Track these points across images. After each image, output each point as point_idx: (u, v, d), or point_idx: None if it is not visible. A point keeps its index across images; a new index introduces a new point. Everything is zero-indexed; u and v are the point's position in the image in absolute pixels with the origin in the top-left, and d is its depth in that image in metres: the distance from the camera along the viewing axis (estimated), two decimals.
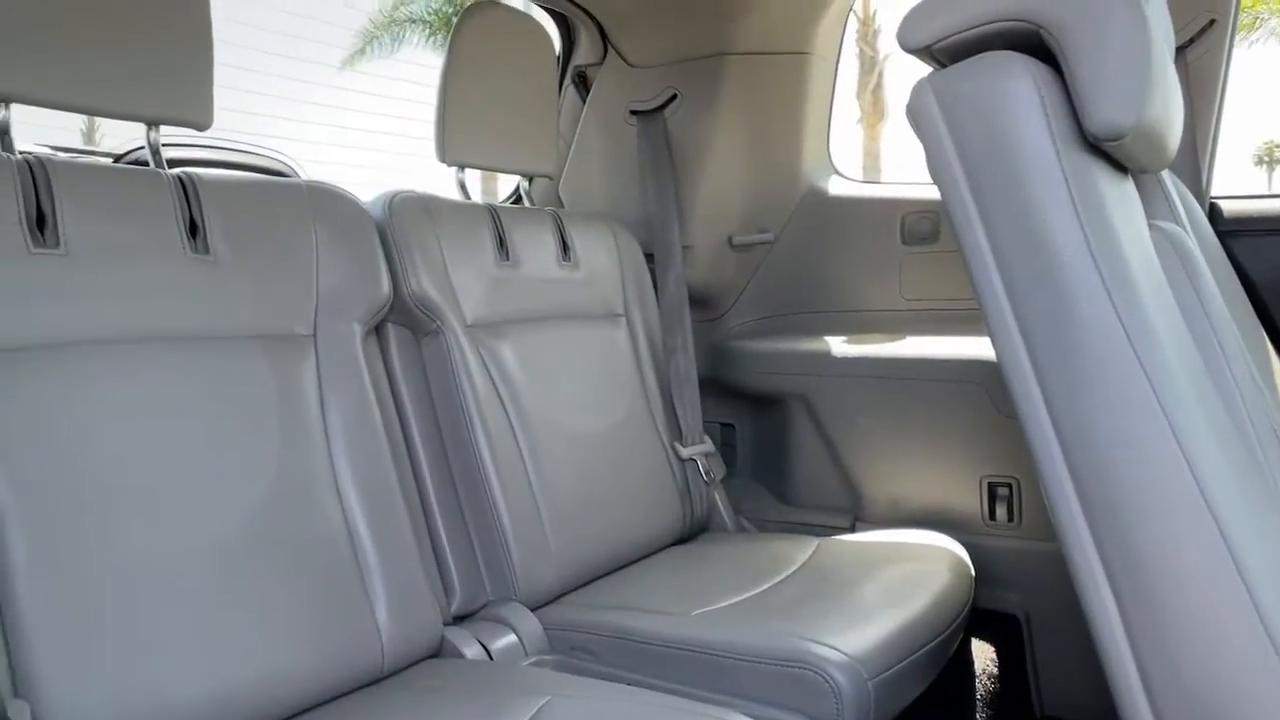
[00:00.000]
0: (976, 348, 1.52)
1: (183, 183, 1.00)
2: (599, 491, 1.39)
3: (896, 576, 1.27)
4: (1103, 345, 0.66)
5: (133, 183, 0.97)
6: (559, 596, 1.30)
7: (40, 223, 0.87)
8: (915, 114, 0.75)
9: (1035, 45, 0.70)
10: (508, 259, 1.39)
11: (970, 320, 1.58)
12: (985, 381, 1.49)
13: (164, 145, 1.04)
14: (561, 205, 1.86)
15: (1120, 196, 0.74)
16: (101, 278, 0.90)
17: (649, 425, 1.55)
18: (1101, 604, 0.68)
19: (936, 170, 0.75)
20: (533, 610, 1.22)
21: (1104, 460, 0.67)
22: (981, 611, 1.46)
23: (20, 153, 0.91)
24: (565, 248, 1.49)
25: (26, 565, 0.79)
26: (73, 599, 0.81)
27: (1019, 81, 0.68)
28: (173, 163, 1.06)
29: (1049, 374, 0.69)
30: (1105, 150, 0.71)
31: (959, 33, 0.71)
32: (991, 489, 1.53)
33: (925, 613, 1.17)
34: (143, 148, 1.03)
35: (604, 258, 1.56)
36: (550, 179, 1.72)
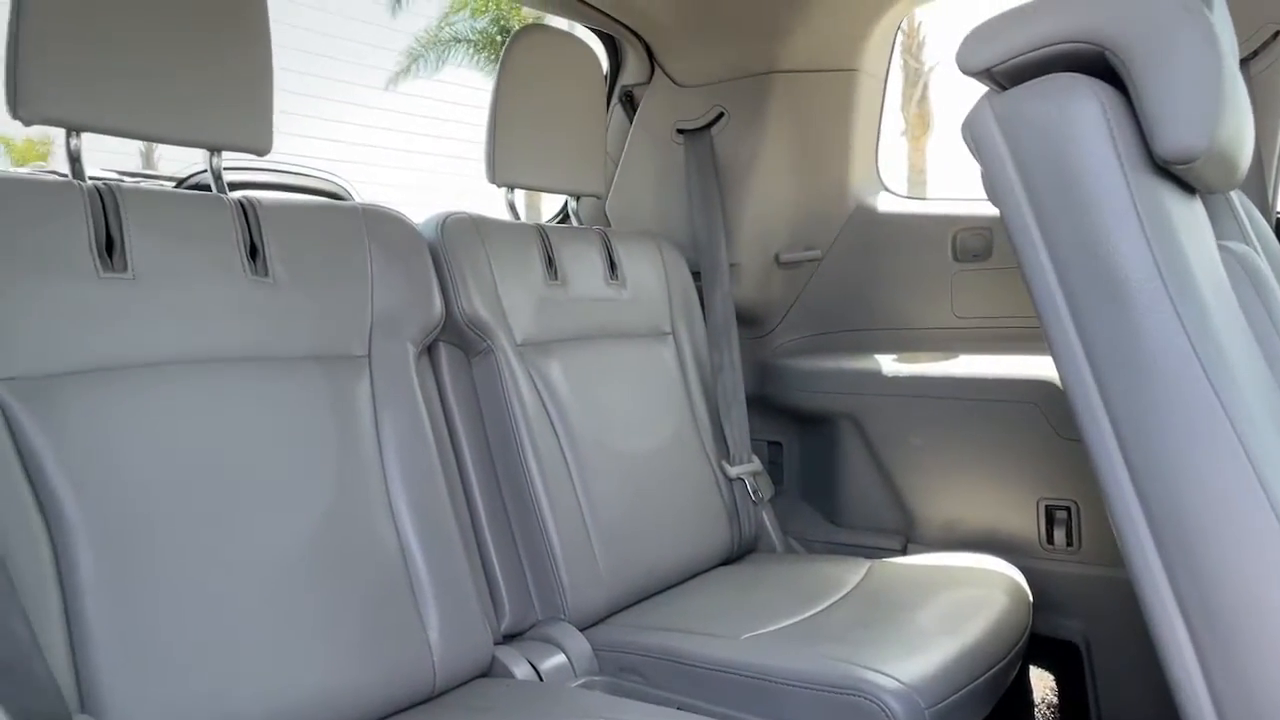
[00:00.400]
0: (1032, 367, 1.48)
1: (243, 207, 1.03)
2: (647, 511, 1.39)
3: (952, 601, 1.24)
4: (1174, 373, 0.64)
5: (196, 208, 1.00)
6: (607, 616, 1.29)
7: (109, 248, 0.90)
8: (974, 135, 0.74)
9: (1100, 67, 0.69)
10: (556, 278, 1.40)
11: (1025, 338, 1.54)
12: (1042, 402, 1.46)
13: (224, 169, 1.07)
14: (608, 224, 1.87)
15: (1189, 218, 0.72)
16: (166, 301, 0.93)
17: (696, 444, 1.54)
18: (1172, 632, 0.66)
19: (996, 192, 0.74)
20: (581, 630, 1.22)
21: (1176, 488, 0.65)
22: (1040, 638, 1.42)
23: (90, 178, 0.94)
24: (613, 266, 1.50)
25: (94, 582, 0.81)
26: (137, 615, 0.83)
27: (1084, 104, 0.66)
28: (232, 185, 1.09)
29: (1117, 400, 0.67)
30: (1174, 172, 0.69)
31: (1021, 55, 0.70)
32: (1049, 512, 1.49)
33: (983, 639, 1.14)
34: (204, 171, 1.07)
35: (651, 276, 1.56)
36: (597, 198, 1.73)
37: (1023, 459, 1.50)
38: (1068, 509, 1.47)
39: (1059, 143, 0.67)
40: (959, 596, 1.26)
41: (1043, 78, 0.69)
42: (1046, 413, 1.45)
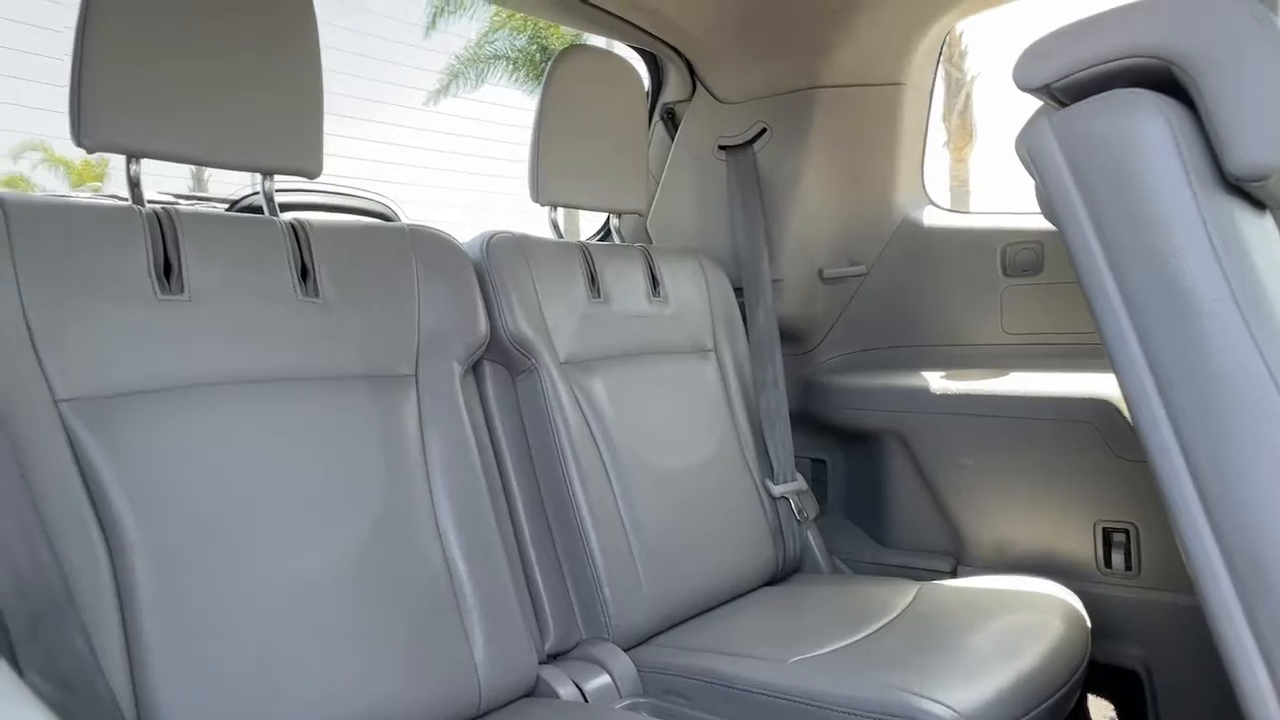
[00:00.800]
0: (1087, 384, 1.44)
1: (294, 229, 1.05)
2: (691, 529, 1.38)
3: (1007, 627, 1.21)
4: (1248, 394, 0.61)
5: (250, 231, 1.01)
6: (651, 637, 1.28)
7: (167, 271, 0.92)
8: (1031, 151, 0.73)
9: (1164, 81, 0.66)
10: (599, 295, 1.40)
11: (1079, 355, 1.50)
12: (1098, 420, 1.41)
13: (275, 190, 1.09)
14: (650, 240, 1.87)
15: (1262, 236, 0.69)
16: (220, 322, 0.94)
17: (740, 462, 1.53)
18: (1247, 664, 0.63)
19: (1054, 208, 0.72)
20: (625, 650, 1.21)
21: (1252, 519, 0.62)
22: (1099, 666, 1.37)
23: (149, 201, 0.97)
24: (655, 283, 1.50)
25: (152, 599, 0.83)
26: (192, 632, 0.84)
27: (1150, 120, 0.64)
28: (283, 206, 1.11)
29: (1187, 425, 0.64)
30: (1245, 188, 0.67)
31: (1081, 70, 0.68)
32: (1107, 535, 1.44)
33: (1040, 666, 1.10)
34: (256, 193, 1.09)
35: (693, 292, 1.56)
36: (639, 215, 1.73)
37: (1078, 480, 1.45)
38: (1126, 532, 1.42)
39: (1124, 160, 0.65)
40: (1014, 621, 1.22)
41: (1105, 94, 0.67)
42: (1103, 432, 1.41)
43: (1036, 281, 1.58)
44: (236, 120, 0.99)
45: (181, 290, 0.93)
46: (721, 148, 1.75)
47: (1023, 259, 1.59)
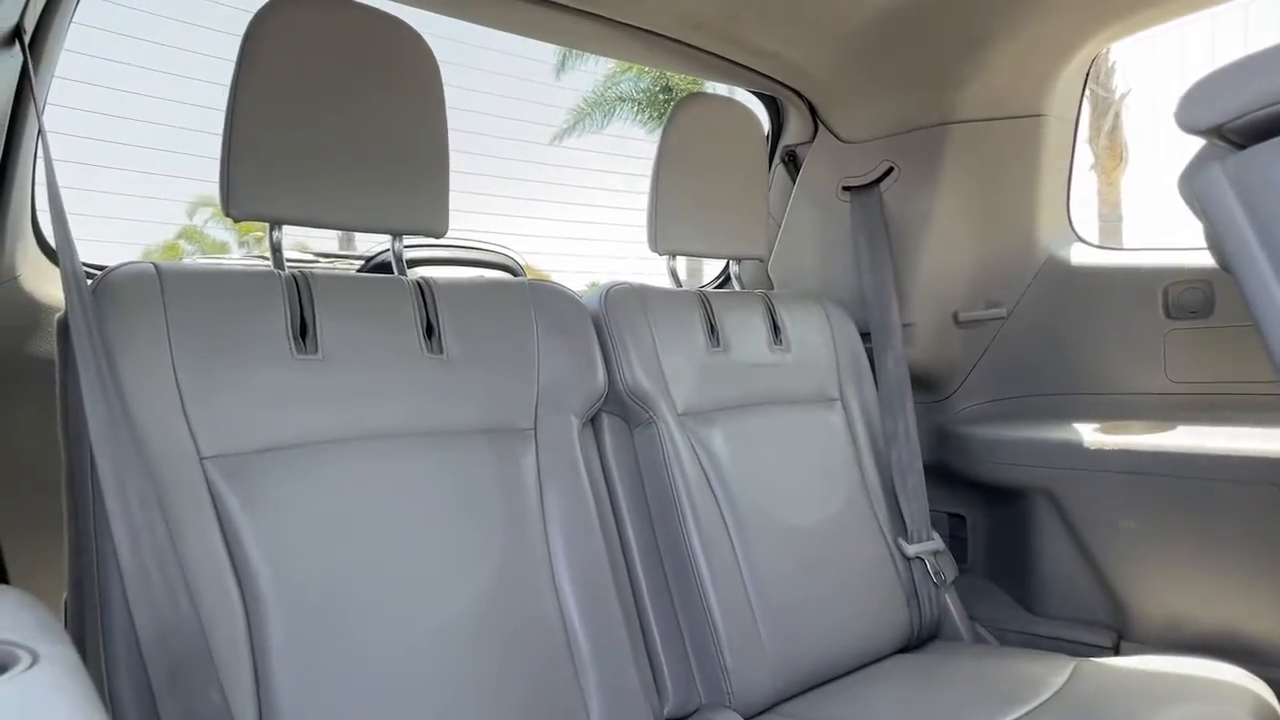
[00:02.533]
0: (1270, 441, 1.27)
1: (420, 287, 1.08)
2: (816, 590, 1.31)
3: (1184, 718, 1.07)
4: None
5: (379, 291, 1.05)
6: (776, 705, 1.22)
7: (303, 331, 0.96)
8: (1198, 194, 0.64)
9: None
10: (718, 345, 1.37)
11: (1260, 408, 1.33)
12: None
13: (406, 246, 1.13)
14: (771, 285, 1.83)
15: None
16: (351, 380, 0.98)
17: (869, 518, 1.44)
18: None
19: (1226, 252, 0.63)
20: None
21: None
22: None
23: (289, 261, 1.02)
24: (776, 330, 1.45)
25: (283, 649, 0.85)
26: (319, 683, 0.86)
27: None
28: (412, 262, 1.14)
29: None
30: None
31: (1259, 110, 0.60)
32: None
33: None
34: (387, 250, 1.13)
35: (816, 339, 1.50)
36: (760, 260, 1.69)
37: (1265, 549, 1.28)
38: None
39: None
40: (1191, 712, 1.08)
41: None
42: None
43: (1207, 325, 1.42)
44: (369, 186, 1.04)
45: (315, 350, 0.96)
46: (846, 189, 1.69)
47: (1190, 300, 1.44)
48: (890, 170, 1.64)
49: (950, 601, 1.48)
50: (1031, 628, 1.53)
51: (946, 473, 1.67)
